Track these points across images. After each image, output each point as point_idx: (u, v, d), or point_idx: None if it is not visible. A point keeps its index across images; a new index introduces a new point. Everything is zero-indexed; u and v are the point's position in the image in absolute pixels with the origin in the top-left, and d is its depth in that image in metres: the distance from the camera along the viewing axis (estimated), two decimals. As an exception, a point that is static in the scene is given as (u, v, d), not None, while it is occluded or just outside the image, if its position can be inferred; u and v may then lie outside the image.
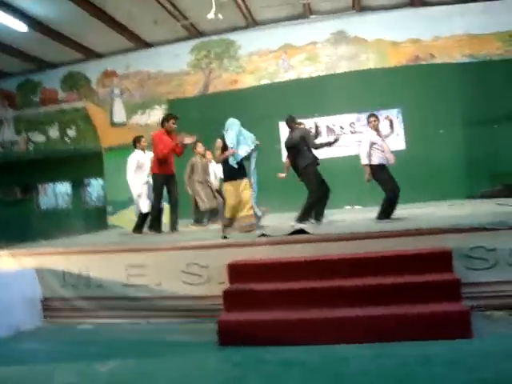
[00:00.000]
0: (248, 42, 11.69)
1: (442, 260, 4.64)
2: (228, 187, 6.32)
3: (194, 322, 5.15)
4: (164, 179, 7.18)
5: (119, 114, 12.51)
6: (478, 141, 9.91)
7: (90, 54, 12.37)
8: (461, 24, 10.81)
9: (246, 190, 6.27)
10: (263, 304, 4.42)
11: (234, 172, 6.30)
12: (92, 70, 12.74)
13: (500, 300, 4.70)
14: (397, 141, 10.30)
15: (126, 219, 11.88)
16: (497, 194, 9.67)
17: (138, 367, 4.03)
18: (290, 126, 6.96)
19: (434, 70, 10.74)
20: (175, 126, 7.32)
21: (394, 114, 10.03)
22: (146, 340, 4.82)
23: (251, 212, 6.26)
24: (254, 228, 6.15)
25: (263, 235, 5.44)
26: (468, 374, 3.35)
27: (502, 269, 4.75)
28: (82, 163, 12.67)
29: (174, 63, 12.08)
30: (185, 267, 5.28)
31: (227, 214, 6.35)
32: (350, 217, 7.64)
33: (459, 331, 3.96)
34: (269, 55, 11.63)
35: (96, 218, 12.79)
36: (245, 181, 6.32)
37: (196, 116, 11.55)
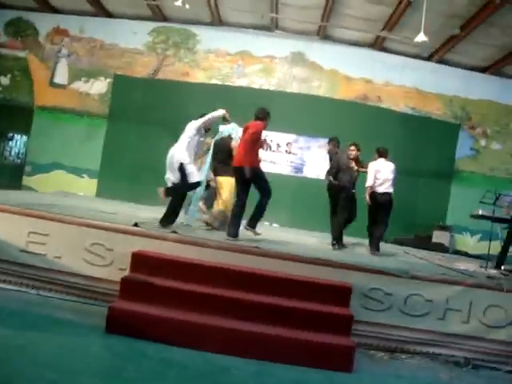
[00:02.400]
0: (208, 38, 11.62)
1: (341, 294, 4.80)
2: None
3: (87, 303, 5.01)
4: None
5: (61, 76, 11.98)
6: (401, 189, 10.39)
7: (45, 6, 11.71)
8: (412, 77, 11.42)
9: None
10: (159, 300, 4.36)
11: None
12: (43, 23, 12.05)
13: (385, 342, 4.94)
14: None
15: (43, 183, 11.41)
16: (408, 243, 10.19)
17: (14, 339, 3.82)
18: None
19: (377, 111, 11.21)
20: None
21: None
22: (30, 311, 4.61)
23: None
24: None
25: (174, 232, 5.39)
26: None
27: (394, 313, 5.00)
28: (9, 115, 11.98)
29: (130, 39, 11.76)
30: (89, 245, 5.12)
31: (221, 206, 6.81)
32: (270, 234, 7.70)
33: (341, 364, 4.12)
34: (226, 57, 11.62)
35: (11, 176, 12.11)
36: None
37: (138, 97, 11.33)
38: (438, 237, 10.60)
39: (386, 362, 4.69)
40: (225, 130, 7.24)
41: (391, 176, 7.16)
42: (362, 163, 7.61)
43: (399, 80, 11.48)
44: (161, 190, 6.14)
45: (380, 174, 7.15)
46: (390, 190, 7.12)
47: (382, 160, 7.38)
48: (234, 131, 7.13)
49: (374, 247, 7.02)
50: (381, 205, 7.10)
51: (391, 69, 11.46)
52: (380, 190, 7.10)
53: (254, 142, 6.07)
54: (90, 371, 3.48)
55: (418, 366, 4.70)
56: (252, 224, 6.16)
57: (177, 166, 6.07)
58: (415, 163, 10.89)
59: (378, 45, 11.31)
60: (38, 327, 4.22)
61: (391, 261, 6.29)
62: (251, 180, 5.96)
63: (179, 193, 6.24)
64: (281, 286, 4.71)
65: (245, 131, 6.14)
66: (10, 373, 3.16)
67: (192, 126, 6.32)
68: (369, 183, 7.12)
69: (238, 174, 6.05)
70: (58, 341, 3.96)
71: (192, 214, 7.28)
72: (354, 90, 11.54)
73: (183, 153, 6.13)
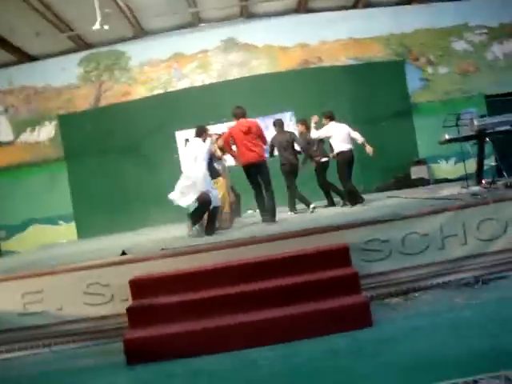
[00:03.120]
0: (138, 52, 11.50)
1: (339, 256, 4.84)
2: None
3: (100, 343, 4.96)
4: None
5: (5, 133, 11.73)
6: (368, 138, 10.49)
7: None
8: (344, 29, 11.48)
9: None
10: (167, 317, 4.35)
11: None
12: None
13: (395, 287, 5.02)
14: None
15: (22, 243, 11.22)
16: (390, 187, 10.32)
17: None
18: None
19: (322, 72, 11.24)
20: None
21: (288, 117, 10.31)
22: (49, 370, 4.55)
23: None
24: None
25: (163, 249, 5.37)
26: (370, 360, 3.53)
27: (395, 258, 5.08)
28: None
29: (61, 77, 11.55)
30: (85, 288, 5.06)
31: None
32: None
33: (360, 322, 4.16)
34: (160, 65, 11.52)
35: (-13, 245, 11.90)
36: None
37: (89, 130, 11.19)
38: (416, 172, 10.75)
39: (403, 305, 4.77)
40: None
41: (346, 134, 7.80)
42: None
43: (333, 35, 11.54)
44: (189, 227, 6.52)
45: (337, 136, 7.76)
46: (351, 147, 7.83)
47: (333, 123, 7.90)
48: None
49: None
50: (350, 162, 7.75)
51: (322, 27, 11.49)
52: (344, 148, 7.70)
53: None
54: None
55: (434, 299, 4.79)
56: (274, 218, 6.77)
57: (202, 188, 6.23)
58: (373, 110, 10.99)
59: (302, 8, 11.33)
60: (62, 382, 4.18)
61: (379, 209, 6.36)
62: (263, 172, 6.70)
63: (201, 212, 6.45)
64: (280, 267, 4.73)
65: (248, 130, 6.60)
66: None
67: (202, 150, 6.44)
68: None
69: (259, 167, 6.64)
70: (86, 388, 3.94)
71: None
72: (293, 58, 11.56)
73: (207, 177, 6.42)
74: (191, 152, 6.45)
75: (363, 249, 5.05)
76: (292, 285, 4.48)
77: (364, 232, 5.12)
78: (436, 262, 5.08)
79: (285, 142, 7.91)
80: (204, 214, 6.45)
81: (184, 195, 6.24)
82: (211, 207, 6.35)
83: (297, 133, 8.54)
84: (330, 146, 7.98)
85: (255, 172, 6.72)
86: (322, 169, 8.31)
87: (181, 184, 6.29)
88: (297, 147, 8.05)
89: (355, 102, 10.91)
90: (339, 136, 7.75)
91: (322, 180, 8.34)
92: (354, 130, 7.99)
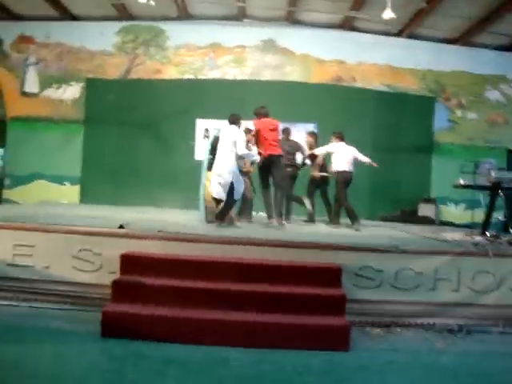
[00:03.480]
0: (177, 33, 11.52)
1: (331, 275, 4.85)
2: None
3: (79, 309, 4.98)
4: None
5: (32, 84, 11.79)
6: (383, 166, 10.48)
7: (7, 13, 11.47)
8: (384, 54, 11.46)
9: None
10: (152, 299, 4.36)
11: None
12: (6, 31, 11.76)
13: (379, 318, 5.00)
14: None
15: (24, 195, 11.28)
16: (395, 219, 10.29)
17: (8, 353, 3.80)
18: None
19: (353, 92, 11.24)
20: None
21: (310, 128, 10.30)
22: (23, 325, 4.56)
23: None
24: None
25: (159, 231, 5.38)
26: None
27: (385, 289, 5.07)
28: (-17, 129, 11.83)
29: (98, 41, 11.60)
30: (77, 252, 5.09)
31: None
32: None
33: (337, 344, 4.17)
34: (196, 51, 11.53)
35: (-10, 190, 11.98)
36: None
37: (113, 99, 11.22)
38: (424, 210, 10.72)
39: (382, 337, 4.76)
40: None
41: (351, 157, 7.90)
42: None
43: (371, 58, 11.52)
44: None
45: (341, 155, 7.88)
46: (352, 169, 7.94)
47: (341, 143, 8.04)
48: None
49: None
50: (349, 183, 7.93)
51: (363, 48, 11.47)
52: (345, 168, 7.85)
53: None
54: (89, 378, 3.48)
55: (414, 338, 4.78)
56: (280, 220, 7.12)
57: (228, 180, 6.58)
58: (395, 140, 10.98)
59: (347, 25, 11.32)
60: (33, 339, 4.18)
61: (380, 238, 6.35)
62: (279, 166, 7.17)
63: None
64: (272, 273, 4.74)
65: (274, 128, 7.21)
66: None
67: (240, 136, 6.73)
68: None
69: (278, 160, 7.12)
70: (55, 351, 3.94)
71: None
72: (327, 72, 11.55)
73: (234, 166, 6.68)
74: (228, 138, 6.67)
75: (356, 274, 5.05)
76: (278, 293, 4.49)
77: (360, 257, 5.12)
78: (424, 301, 5.07)
79: (288, 148, 8.15)
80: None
81: (219, 194, 6.65)
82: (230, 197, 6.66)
83: (305, 143, 8.69)
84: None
85: (273, 165, 7.10)
86: (312, 181, 8.51)
87: (215, 185, 6.67)
88: (299, 157, 8.35)
89: (379, 128, 10.91)
90: (344, 156, 7.84)
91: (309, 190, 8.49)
92: (366, 155, 7.98)
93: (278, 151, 7.14)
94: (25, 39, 11.81)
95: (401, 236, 7.02)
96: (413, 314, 5.04)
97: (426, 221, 10.34)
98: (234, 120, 6.85)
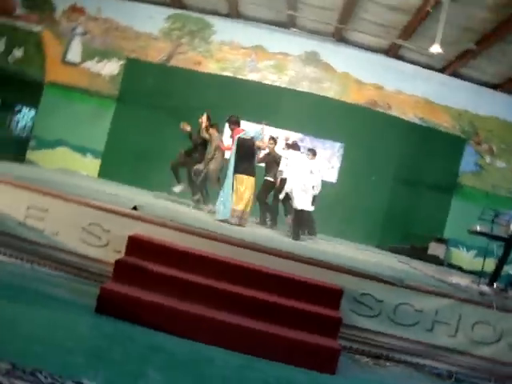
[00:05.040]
0: (224, 30, 11.57)
1: (331, 296, 4.84)
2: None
3: (79, 281, 5.03)
4: None
5: (74, 54, 11.95)
6: (402, 198, 10.44)
7: (64, -17, 11.70)
8: (423, 87, 11.36)
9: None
10: (152, 285, 4.39)
11: None
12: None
13: (370, 348, 4.97)
14: (330, 172, 10.67)
15: (46, 159, 11.42)
16: (403, 252, 10.20)
17: (4, 310, 3.86)
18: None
19: (385, 119, 11.17)
20: None
21: (337, 147, 10.30)
22: (24, 285, 4.65)
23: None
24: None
25: (171, 220, 5.41)
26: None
27: (382, 321, 5.03)
28: (19, 88, 11.96)
29: (145, 24, 11.71)
30: (87, 225, 5.15)
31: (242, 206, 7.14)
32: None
33: (324, 366, 4.16)
34: (240, 50, 11.57)
35: (15, 148, 12.13)
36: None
37: (150, 82, 11.33)
38: (434, 249, 10.59)
39: (370, 367, 4.73)
40: (250, 131, 7.57)
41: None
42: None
43: (410, 89, 11.44)
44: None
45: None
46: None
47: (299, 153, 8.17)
48: (257, 134, 7.57)
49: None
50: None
51: (403, 77, 11.41)
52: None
53: None
54: (77, 349, 3.52)
55: (401, 375, 4.74)
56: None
57: None
58: (418, 173, 10.91)
59: (392, 52, 11.28)
60: (29, 301, 4.25)
61: (385, 268, 6.31)
62: None
63: None
64: (273, 283, 4.74)
65: None
66: (-2, 343, 3.18)
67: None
68: None
69: None
70: (48, 316, 4.00)
71: (224, 214, 7.09)
72: (364, 94, 11.50)
73: None
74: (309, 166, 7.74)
75: (356, 299, 5.03)
76: (276, 303, 4.49)
77: (362, 283, 5.09)
78: (419, 341, 5.02)
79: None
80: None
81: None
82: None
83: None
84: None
85: None
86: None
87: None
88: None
89: (404, 159, 10.85)
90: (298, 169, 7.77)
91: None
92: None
93: None
94: (76, 9, 11.98)
95: (407, 270, 6.97)
96: (405, 351, 5.00)
97: (435, 260, 10.23)
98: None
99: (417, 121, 11.40)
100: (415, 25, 9.68)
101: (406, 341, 5.00)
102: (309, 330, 4.35)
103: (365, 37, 11.04)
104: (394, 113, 11.41)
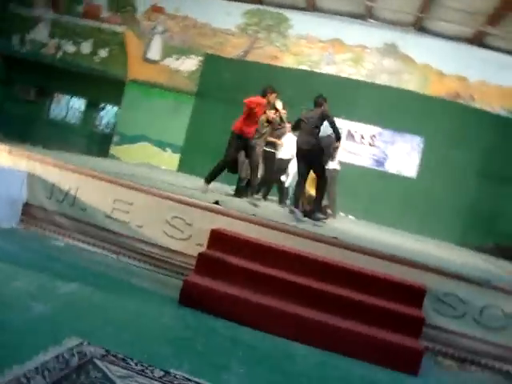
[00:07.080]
0: (301, 24, 11.53)
1: (414, 294, 4.68)
2: None
3: (162, 273, 5.21)
4: None
5: (155, 52, 12.39)
6: (486, 194, 9.92)
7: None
8: (511, 77, 10.72)
9: None
10: (234, 279, 4.44)
11: None
12: (141, 0, 12.55)
13: (455, 350, 4.76)
14: (410, 168, 10.37)
15: (128, 154, 11.91)
16: (487, 251, 9.73)
17: (94, 298, 4.06)
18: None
19: (469, 112, 10.68)
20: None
21: (417, 141, 9.98)
22: (111, 274, 4.87)
23: None
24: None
25: (253, 215, 5.45)
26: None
27: (467, 322, 4.80)
28: (103, 86, 12.59)
29: (223, 20, 11.93)
30: (170, 218, 5.29)
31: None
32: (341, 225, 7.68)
33: (407, 366, 4.03)
34: (317, 44, 11.48)
35: (100, 143, 12.77)
36: None
37: (227, 77, 11.50)
38: (522, 248, 10.03)
39: (454, 371, 4.54)
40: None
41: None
42: None
43: (496, 79, 10.81)
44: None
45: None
46: None
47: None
48: None
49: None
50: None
51: (489, 67, 10.81)
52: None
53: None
54: (162, 339, 3.63)
55: (487, 381, 4.52)
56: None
57: None
58: (504, 169, 10.31)
59: (477, 40, 10.72)
60: (116, 290, 4.45)
61: (471, 267, 6.04)
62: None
63: None
64: (355, 279, 4.65)
65: None
66: (88, 329, 3.34)
67: None
68: None
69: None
70: (133, 305, 4.15)
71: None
72: (445, 86, 11.03)
73: None
74: None
75: (439, 298, 4.83)
76: (357, 300, 4.40)
77: (446, 282, 4.87)
78: (508, 346, 4.75)
79: None
80: None
81: None
82: None
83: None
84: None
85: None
86: None
87: None
88: None
89: (489, 154, 10.32)
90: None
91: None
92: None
93: None
94: (156, 9, 12.43)
95: (493, 271, 6.64)
96: (492, 356, 4.74)
97: (523, 260, 9.69)
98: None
99: (504, 113, 10.77)
100: (504, 9, 9.12)
101: (494, 345, 4.73)
102: (391, 329, 4.24)
103: (447, 25, 10.59)
104: (478, 105, 10.86)
